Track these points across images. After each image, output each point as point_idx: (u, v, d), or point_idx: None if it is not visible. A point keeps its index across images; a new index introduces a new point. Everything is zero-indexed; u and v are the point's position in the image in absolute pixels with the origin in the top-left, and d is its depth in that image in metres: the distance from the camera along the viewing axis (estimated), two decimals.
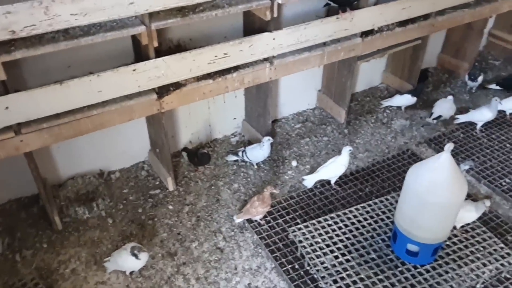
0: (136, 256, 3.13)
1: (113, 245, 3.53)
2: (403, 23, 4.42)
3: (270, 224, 3.70)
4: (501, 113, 4.82)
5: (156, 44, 3.24)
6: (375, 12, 4.11)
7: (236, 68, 3.71)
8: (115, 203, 3.91)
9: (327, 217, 3.67)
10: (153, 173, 4.24)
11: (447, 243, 3.44)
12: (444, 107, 4.85)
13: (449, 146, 2.82)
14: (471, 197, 3.89)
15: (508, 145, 4.56)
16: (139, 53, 3.40)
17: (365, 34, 4.24)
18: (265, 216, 3.71)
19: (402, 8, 4.22)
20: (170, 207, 3.90)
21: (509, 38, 5.97)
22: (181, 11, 3.28)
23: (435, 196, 2.84)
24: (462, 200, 2.95)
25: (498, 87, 5.25)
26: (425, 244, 3.14)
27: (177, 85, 3.50)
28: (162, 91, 3.45)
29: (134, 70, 3.15)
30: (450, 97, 4.87)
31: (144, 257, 3.18)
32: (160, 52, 3.35)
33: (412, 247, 3.21)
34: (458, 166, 3.87)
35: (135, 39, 3.37)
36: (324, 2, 3.99)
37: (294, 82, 4.70)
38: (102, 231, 3.67)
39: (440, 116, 4.82)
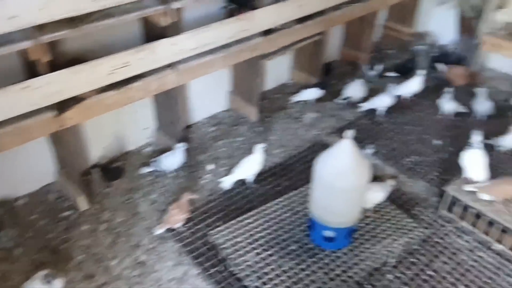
0: (49, 283, 2.94)
1: (25, 276, 3.28)
2: (301, 20, 4.60)
3: (191, 231, 3.66)
4: (399, 97, 5.18)
5: (48, 58, 3.08)
6: (274, 11, 4.23)
7: (140, 77, 3.63)
8: (23, 232, 3.65)
9: (246, 215, 3.71)
10: (64, 194, 4.02)
11: (361, 224, 3.62)
12: (354, 88, 5.18)
13: (348, 133, 2.98)
14: (379, 178, 4.11)
15: (407, 127, 4.91)
16: (31, 70, 3.20)
17: (267, 32, 4.35)
18: (185, 223, 3.67)
19: (299, 5, 4.39)
20: (85, 227, 3.72)
21: (401, 29, 6.44)
22: (72, 21, 3.14)
23: (341, 181, 2.99)
24: (366, 183, 3.13)
25: (395, 74, 5.63)
26: (339, 228, 3.28)
27: (77, 100, 3.34)
28: (62, 107, 3.28)
29: (25, 87, 2.95)
30: (360, 80, 5.20)
31: (58, 283, 3.00)
32: (57, 66, 3.17)
33: (328, 233, 3.34)
34: (363, 151, 4.11)
35: (24, 54, 3.17)
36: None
37: (203, 85, 4.70)
38: (10, 263, 3.41)
39: (349, 97, 5.14)
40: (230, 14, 4.21)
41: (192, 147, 4.56)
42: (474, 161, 3.68)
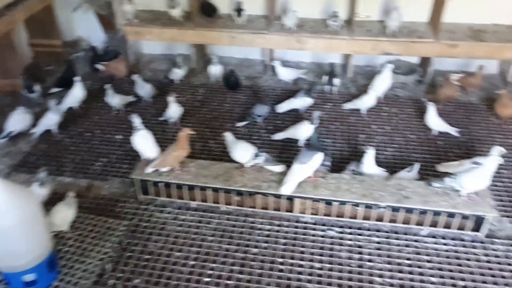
0: None
1: None
2: None
3: None
4: (70, 109, 5.09)
5: None
6: None
7: None
8: None
9: None
10: None
11: (64, 248, 3.45)
12: (15, 119, 4.68)
13: None
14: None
15: (87, 134, 4.88)
16: None
17: None
18: None
19: None
20: None
21: (50, 43, 6.23)
22: None
23: (6, 220, 2.73)
24: (36, 210, 2.95)
25: (58, 89, 5.44)
26: (36, 267, 3.03)
27: None
28: None
29: None
30: (21, 109, 4.72)
31: None
32: None
33: (28, 278, 3.05)
34: (36, 176, 3.81)
35: None
36: None
37: None
38: None
39: (11, 132, 4.67)
40: None
41: None
42: (143, 142, 3.95)
